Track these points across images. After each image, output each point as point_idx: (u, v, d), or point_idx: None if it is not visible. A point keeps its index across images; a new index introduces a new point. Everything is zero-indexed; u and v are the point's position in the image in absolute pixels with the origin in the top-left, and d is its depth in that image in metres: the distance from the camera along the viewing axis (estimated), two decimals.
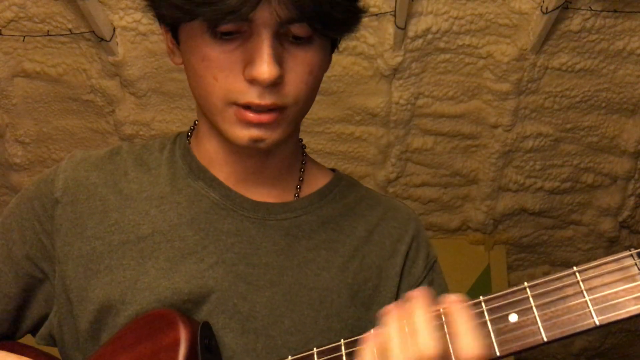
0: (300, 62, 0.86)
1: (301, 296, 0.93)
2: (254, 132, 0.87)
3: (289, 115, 0.88)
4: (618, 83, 2.77)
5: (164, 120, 2.97)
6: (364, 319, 0.95)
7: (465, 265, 3.48)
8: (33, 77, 2.78)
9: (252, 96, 0.84)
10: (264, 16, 0.81)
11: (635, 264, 0.67)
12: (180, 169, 0.99)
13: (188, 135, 1.04)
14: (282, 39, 0.84)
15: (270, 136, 0.87)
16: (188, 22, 0.85)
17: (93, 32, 2.51)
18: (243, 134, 0.87)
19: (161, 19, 0.90)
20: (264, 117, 0.85)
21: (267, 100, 0.84)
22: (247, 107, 0.85)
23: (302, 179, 1.03)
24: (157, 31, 2.56)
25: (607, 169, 3.17)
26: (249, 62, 0.83)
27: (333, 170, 1.09)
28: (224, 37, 0.83)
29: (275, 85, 0.84)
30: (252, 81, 0.83)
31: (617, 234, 3.44)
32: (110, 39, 2.52)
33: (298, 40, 0.85)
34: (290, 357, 0.81)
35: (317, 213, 0.99)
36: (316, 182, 1.04)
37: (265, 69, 0.81)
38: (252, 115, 0.85)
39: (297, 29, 0.84)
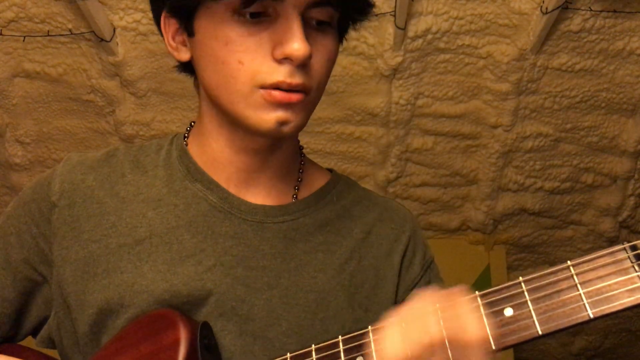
0: (320, 47, 0.88)
1: (298, 299, 0.93)
2: (281, 114, 0.86)
3: (310, 100, 0.89)
4: (618, 83, 2.77)
5: (164, 120, 2.97)
6: (363, 320, 0.95)
7: (465, 265, 3.49)
8: (33, 77, 2.79)
9: (282, 75, 0.84)
10: None
11: (628, 257, 0.68)
12: (177, 170, 0.99)
13: (185, 137, 1.03)
14: (304, 23, 0.86)
15: (294, 119, 0.87)
16: (212, 3, 0.84)
17: (93, 32, 2.51)
18: (270, 117, 0.86)
19: (175, 9, 0.89)
20: (293, 97, 0.85)
21: (296, 79, 0.85)
22: (276, 87, 0.85)
23: (301, 180, 1.03)
24: (157, 31, 2.56)
25: (607, 169, 3.17)
26: (279, 42, 0.83)
27: (330, 170, 1.09)
28: (251, 19, 0.84)
29: (303, 66, 0.85)
30: (283, 60, 0.84)
31: (617, 234, 3.43)
32: (110, 39, 2.52)
33: (318, 26, 0.87)
34: (289, 354, 0.82)
35: (314, 215, 0.99)
36: (314, 183, 1.04)
37: (300, 45, 0.82)
38: (281, 95, 0.85)
39: (320, 13, 0.86)
